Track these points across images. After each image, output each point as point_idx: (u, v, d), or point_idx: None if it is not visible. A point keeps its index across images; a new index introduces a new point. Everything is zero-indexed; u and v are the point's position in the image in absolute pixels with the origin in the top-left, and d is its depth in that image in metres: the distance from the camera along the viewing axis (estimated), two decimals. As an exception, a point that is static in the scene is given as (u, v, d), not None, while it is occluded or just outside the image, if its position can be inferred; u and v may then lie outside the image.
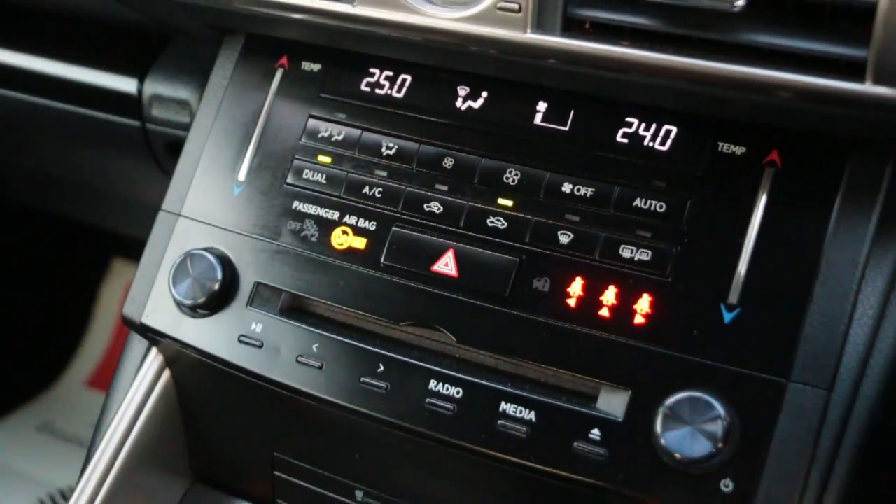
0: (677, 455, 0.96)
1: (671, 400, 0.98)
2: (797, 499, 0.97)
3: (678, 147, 1.06)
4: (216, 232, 1.19)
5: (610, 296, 1.04)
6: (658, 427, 0.98)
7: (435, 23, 1.06)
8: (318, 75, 1.21)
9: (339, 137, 1.18)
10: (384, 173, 1.15)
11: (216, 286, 1.15)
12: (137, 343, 1.32)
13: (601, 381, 1.03)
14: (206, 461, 1.32)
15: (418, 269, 1.11)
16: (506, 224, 1.09)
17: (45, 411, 2.83)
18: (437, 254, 1.11)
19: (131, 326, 1.23)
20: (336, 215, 1.15)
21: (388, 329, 1.12)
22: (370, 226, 1.14)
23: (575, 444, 1.01)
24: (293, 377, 1.12)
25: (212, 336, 1.16)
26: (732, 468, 0.97)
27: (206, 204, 1.21)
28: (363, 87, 1.18)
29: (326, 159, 1.18)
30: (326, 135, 1.19)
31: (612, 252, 1.05)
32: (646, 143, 1.07)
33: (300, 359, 1.12)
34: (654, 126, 1.07)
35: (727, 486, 0.97)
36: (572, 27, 1.01)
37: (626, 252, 1.05)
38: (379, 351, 1.10)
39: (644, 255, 1.04)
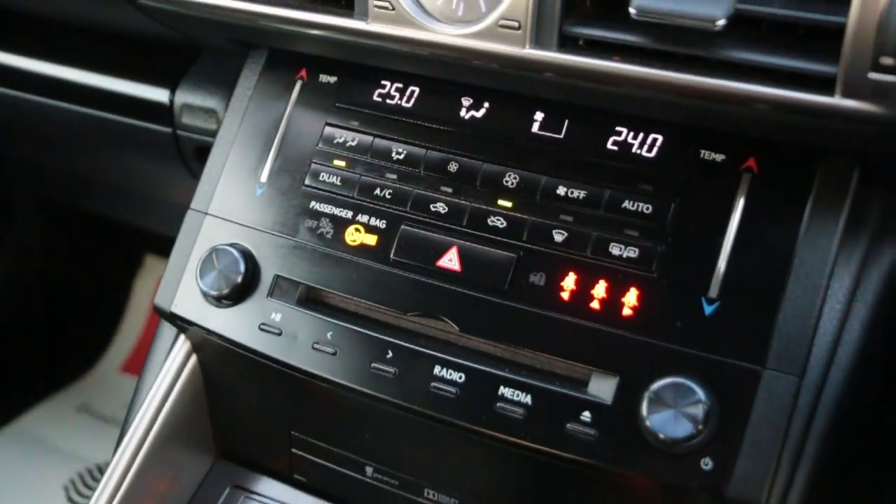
0: (661, 436, 0.96)
1: (656, 385, 0.98)
2: (771, 476, 0.97)
3: (663, 154, 1.06)
4: (240, 229, 1.19)
5: (600, 290, 1.04)
6: (644, 410, 0.98)
7: (441, 38, 1.06)
8: (334, 87, 1.21)
9: (353, 143, 1.18)
10: (394, 176, 1.15)
11: (239, 279, 1.15)
12: (167, 331, 1.32)
13: (592, 368, 1.03)
14: (229, 439, 1.32)
15: (425, 264, 1.11)
16: (505, 223, 1.09)
17: (84, 393, 2.83)
18: (442, 250, 1.11)
19: (162, 315, 1.23)
20: (349, 214, 1.15)
21: (397, 319, 1.12)
22: (381, 224, 1.14)
23: (567, 425, 1.01)
24: (309, 362, 1.12)
25: (235, 324, 1.16)
26: (712, 448, 0.97)
27: (231, 203, 1.21)
28: (375, 98, 1.18)
29: (341, 163, 1.18)
30: (341, 141, 1.18)
31: (602, 249, 1.05)
32: (634, 150, 1.07)
33: (316, 346, 1.12)
34: (641, 135, 1.07)
35: (707, 464, 0.97)
36: (567, 43, 1.01)
37: (615, 249, 1.05)
38: (388, 339, 1.10)
39: (632, 253, 1.04)
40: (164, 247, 1.53)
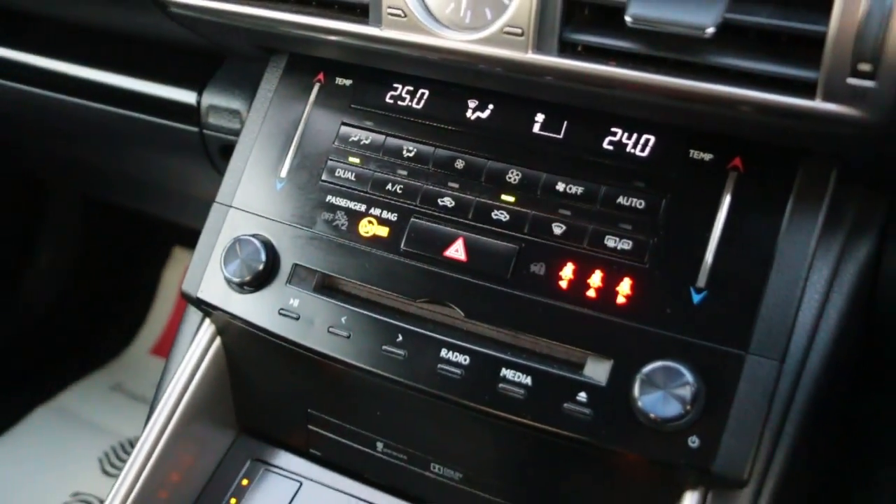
0: (652, 415, 0.96)
1: (647, 368, 0.97)
2: (753, 453, 0.96)
3: (655, 153, 1.05)
4: (261, 221, 1.19)
5: (596, 279, 1.03)
6: (636, 391, 0.97)
7: (450, 44, 1.05)
8: (350, 89, 1.20)
9: (367, 142, 1.17)
10: (404, 172, 1.14)
11: (260, 267, 1.15)
12: (193, 315, 1.32)
13: (587, 352, 1.03)
14: (251, 415, 1.31)
15: (433, 254, 1.10)
16: (508, 217, 1.08)
17: (117, 374, 2.84)
18: (449, 241, 1.10)
19: (188, 300, 1.22)
20: (363, 207, 1.15)
21: (406, 305, 1.11)
22: (392, 217, 1.13)
23: (565, 405, 1.01)
24: (325, 345, 1.11)
25: (256, 309, 1.16)
26: (698, 427, 0.96)
27: (253, 197, 1.21)
28: (387, 100, 1.18)
29: (356, 160, 1.17)
30: (356, 140, 1.18)
31: (598, 242, 1.04)
32: (628, 149, 1.06)
33: (331, 329, 1.11)
34: (635, 135, 1.06)
35: (694, 442, 0.96)
36: (567, 49, 1.01)
37: (610, 242, 1.04)
38: (398, 323, 1.09)
39: (625, 245, 1.03)
40: (190, 238, 1.53)
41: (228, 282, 1.16)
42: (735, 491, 1.02)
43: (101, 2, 1.50)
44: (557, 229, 1.06)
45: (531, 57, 1.01)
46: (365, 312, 1.11)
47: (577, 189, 1.06)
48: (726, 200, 1.01)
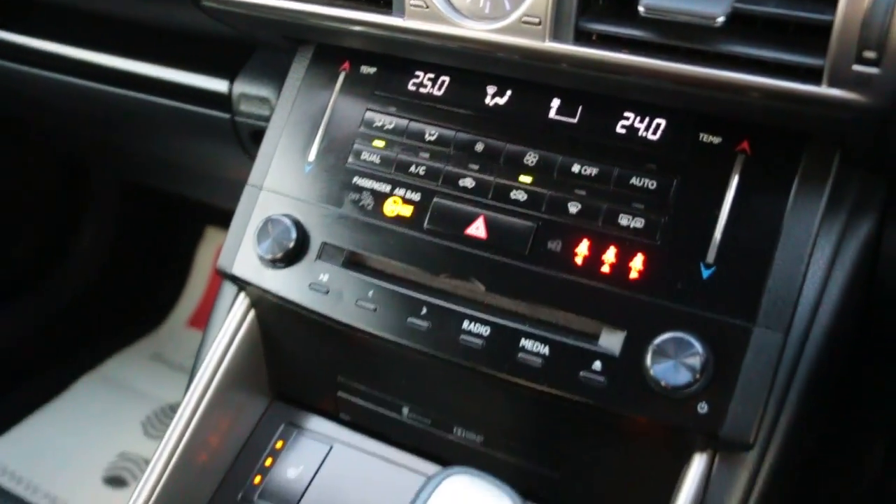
0: (663, 383, 0.94)
1: (659, 339, 0.96)
2: (758, 419, 0.94)
3: (667, 137, 1.03)
4: (291, 201, 1.17)
5: (610, 255, 1.01)
6: (648, 361, 0.96)
7: (470, 33, 1.03)
8: (374, 77, 1.18)
9: (391, 126, 1.15)
10: (427, 155, 1.12)
11: (291, 244, 1.13)
12: (228, 289, 1.30)
13: (602, 324, 1.01)
14: (283, 383, 1.30)
15: (454, 232, 1.08)
16: (526, 196, 1.06)
17: (157, 344, 2.85)
18: (470, 220, 1.08)
19: (224, 276, 1.20)
20: (388, 188, 1.13)
21: (430, 280, 1.09)
22: (415, 197, 1.11)
23: (580, 373, 0.99)
24: (353, 317, 1.10)
25: (287, 284, 1.14)
26: (707, 394, 0.95)
27: (283, 179, 1.19)
28: (410, 87, 1.15)
29: (380, 144, 1.15)
30: (380, 124, 1.15)
31: (611, 220, 1.02)
32: (640, 133, 1.04)
33: (358, 303, 1.09)
34: (647, 119, 1.04)
35: (703, 408, 0.95)
36: (582, 38, 0.98)
37: (623, 220, 1.02)
38: (422, 297, 1.08)
39: (638, 223, 1.01)
40: (222, 218, 1.52)
41: (261, 259, 1.15)
42: (741, 454, 1.00)
43: (140, -3, 1.49)
44: (573, 208, 1.04)
45: (548, 45, 0.99)
46: (390, 287, 1.09)
47: (591, 170, 1.04)
48: (734, 181, 0.98)
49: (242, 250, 1.17)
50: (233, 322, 1.23)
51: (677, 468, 1.01)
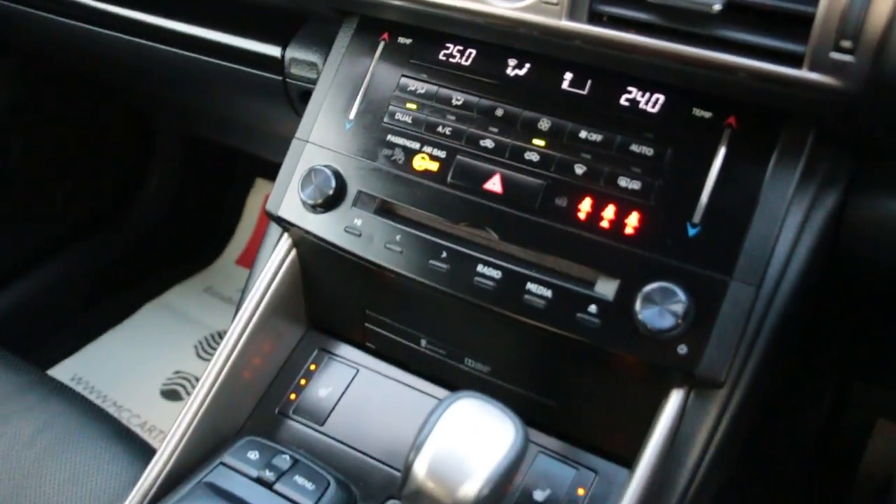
0: (649, 326, 0.95)
1: (647, 288, 0.96)
2: (730, 361, 0.95)
3: (664, 110, 1.02)
4: (332, 154, 1.17)
5: (609, 212, 1.01)
6: (637, 306, 0.96)
7: (496, 10, 1.03)
8: (409, 47, 1.17)
9: (422, 91, 1.14)
10: (453, 118, 1.12)
11: (330, 191, 1.13)
12: (274, 231, 1.31)
13: (598, 272, 1.01)
14: (318, 314, 1.31)
15: (474, 186, 1.08)
16: (538, 157, 1.06)
17: (209, 279, 2.87)
18: (488, 176, 1.08)
19: (271, 217, 1.21)
20: (417, 146, 1.12)
21: (450, 227, 1.10)
22: (441, 154, 1.11)
23: (578, 315, 1.00)
24: (381, 258, 1.10)
25: (326, 226, 1.14)
26: (687, 338, 0.95)
27: (326, 134, 1.19)
28: (441, 57, 1.15)
29: (412, 106, 1.14)
30: (413, 89, 1.15)
31: (612, 181, 1.02)
32: (641, 106, 1.03)
33: (387, 245, 1.10)
34: (647, 94, 1.03)
35: (682, 349, 0.95)
36: (595, 18, 0.98)
37: (622, 182, 1.02)
38: (443, 242, 1.08)
39: (635, 185, 1.01)
40: (270, 170, 1.52)
41: (304, 203, 1.15)
42: (713, 391, 1.02)
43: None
44: (579, 169, 1.04)
45: (564, 24, 0.99)
46: (416, 232, 1.10)
47: (596, 137, 1.04)
48: (721, 152, 0.98)
49: (288, 195, 1.18)
50: (276, 259, 1.23)
51: (657, 401, 1.02)
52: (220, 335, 2.60)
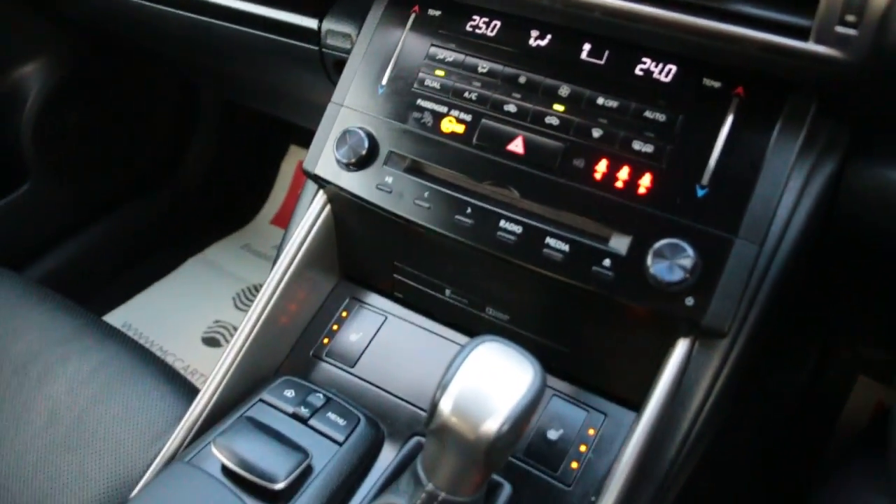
0: (659, 279, 0.94)
1: (658, 244, 0.95)
2: (733, 313, 0.94)
3: (676, 79, 1.00)
4: (365, 117, 1.15)
5: (623, 173, 0.99)
6: (648, 261, 0.95)
7: (520, -16, 1.00)
8: (439, 18, 1.15)
9: (450, 60, 1.12)
10: (478, 84, 1.09)
11: (363, 151, 1.11)
12: (309, 189, 1.29)
13: (613, 229, 0.99)
14: (350, 265, 1.29)
15: (497, 147, 1.06)
16: (558, 121, 1.04)
17: (246, 237, 2.87)
18: (511, 138, 1.05)
19: (307, 175, 1.19)
20: (445, 110, 1.10)
21: (475, 186, 1.08)
22: (467, 118, 1.09)
23: (593, 267, 0.98)
24: (410, 213, 1.09)
25: (359, 184, 1.13)
26: (694, 290, 0.94)
27: (360, 99, 1.17)
28: (468, 28, 1.12)
29: (441, 73, 1.12)
30: (441, 58, 1.13)
31: (626, 145, 1.00)
32: (654, 75, 1.01)
33: (416, 201, 1.08)
34: (661, 64, 1.01)
35: (689, 301, 0.94)
36: (614, -9, 0.95)
37: (636, 145, 0.99)
38: (468, 199, 1.06)
39: (648, 149, 0.99)
40: (303, 137, 1.50)
41: (338, 162, 1.13)
42: (716, 341, 1.01)
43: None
44: (596, 133, 1.01)
45: (584, -4, 0.96)
46: (442, 189, 1.08)
47: (612, 103, 1.01)
48: (729, 119, 0.96)
49: (324, 155, 1.16)
50: (312, 214, 1.22)
51: (664, 349, 1.01)
52: (256, 288, 2.61)
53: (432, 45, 1.14)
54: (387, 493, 0.97)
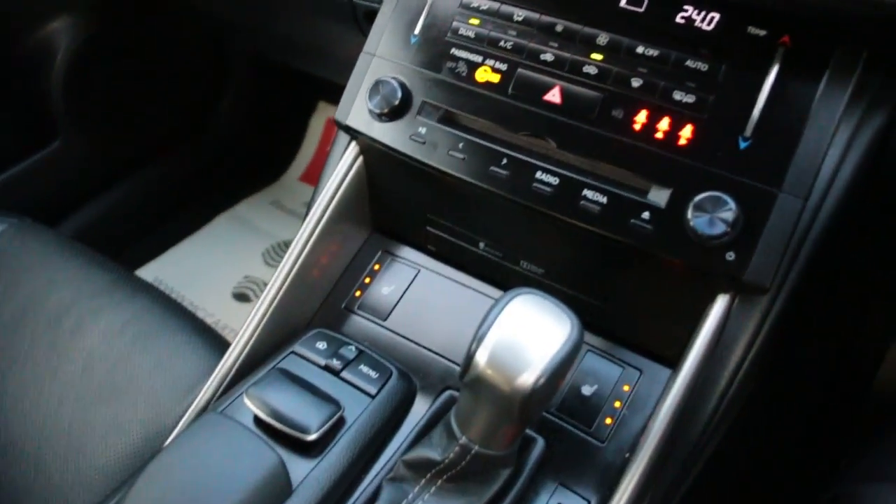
0: (699, 232, 0.91)
1: (699, 197, 0.92)
2: (775, 269, 0.91)
3: (719, 28, 0.96)
4: (398, 66, 1.12)
5: (663, 124, 0.96)
6: (689, 214, 0.92)
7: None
8: None
9: (485, 8, 1.09)
10: (514, 33, 1.06)
11: (396, 101, 1.09)
12: (341, 141, 1.27)
13: (652, 181, 0.96)
14: (382, 218, 1.28)
15: (534, 97, 1.03)
16: (596, 71, 1.00)
17: (275, 193, 2.87)
18: (548, 88, 1.02)
19: (339, 126, 1.17)
20: (480, 59, 1.07)
21: (510, 137, 1.05)
22: (502, 67, 1.06)
23: (631, 220, 0.96)
24: (444, 164, 1.06)
25: (391, 134, 1.11)
26: (735, 245, 0.91)
27: (392, 49, 1.14)
28: None
29: (475, 22, 1.09)
30: (476, 6, 1.09)
31: (667, 95, 0.96)
32: (696, 24, 0.97)
33: (450, 152, 1.06)
34: (703, 13, 0.97)
35: (730, 256, 0.91)
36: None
37: (677, 96, 0.96)
38: (503, 150, 1.04)
39: (689, 99, 0.95)
40: (332, 93, 1.48)
41: (371, 112, 1.11)
42: (756, 298, 0.98)
43: None
44: (635, 83, 0.98)
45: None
46: (477, 140, 1.05)
47: (653, 52, 0.98)
48: (774, 69, 0.92)
49: (356, 105, 1.14)
50: (344, 166, 1.20)
51: (703, 305, 0.98)
52: (286, 244, 2.61)
53: None
54: (419, 446, 0.97)
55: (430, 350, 1.16)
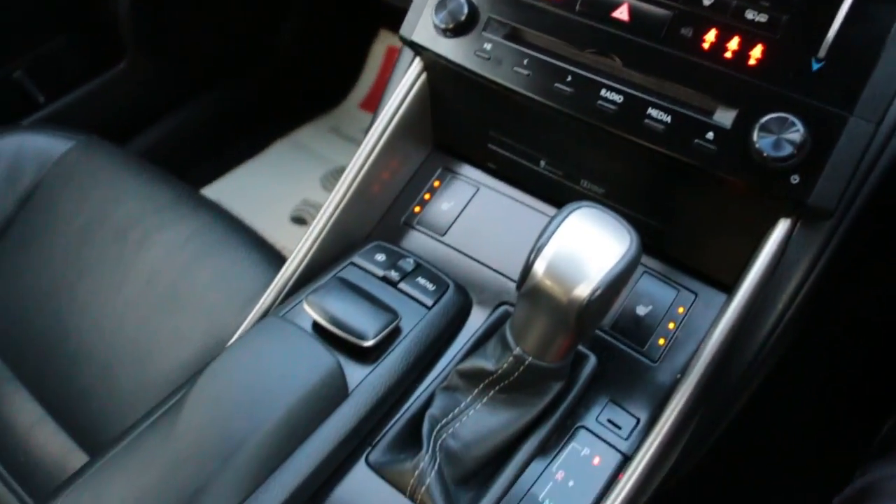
0: (765, 154, 0.89)
1: (766, 118, 0.90)
2: (841, 193, 0.90)
3: None
4: None
5: (733, 44, 0.94)
6: (754, 135, 0.90)
7: None
8: None
9: None
10: None
11: (462, 17, 1.09)
12: (405, 58, 1.27)
13: (718, 101, 0.95)
14: (444, 135, 1.28)
15: (602, 14, 1.01)
16: None
17: (334, 120, 2.88)
18: (616, 5, 1.01)
19: (403, 41, 1.17)
20: None
21: (576, 54, 1.04)
22: None
23: (695, 140, 0.94)
24: (510, 80, 1.06)
25: (457, 50, 1.10)
26: (801, 168, 0.89)
27: None
28: None
29: None
30: None
31: (739, 14, 0.94)
32: None
33: (514, 69, 1.05)
34: None
35: (795, 179, 0.90)
36: None
37: (749, 15, 0.93)
38: (569, 67, 1.03)
39: (762, 18, 0.93)
40: (393, 20, 1.45)
41: (436, 28, 1.11)
42: (819, 223, 0.97)
43: None
44: (706, 1, 0.96)
45: None
46: (542, 57, 1.04)
47: None
48: None
49: (422, 21, 1.13)
50: (407, 82, 1.20)
51: (764, 229, 0.98)
52: (344, 170, 2.63)
53: None
54: (474, 357, 0.99)
55: (487, 266, 1.17)
